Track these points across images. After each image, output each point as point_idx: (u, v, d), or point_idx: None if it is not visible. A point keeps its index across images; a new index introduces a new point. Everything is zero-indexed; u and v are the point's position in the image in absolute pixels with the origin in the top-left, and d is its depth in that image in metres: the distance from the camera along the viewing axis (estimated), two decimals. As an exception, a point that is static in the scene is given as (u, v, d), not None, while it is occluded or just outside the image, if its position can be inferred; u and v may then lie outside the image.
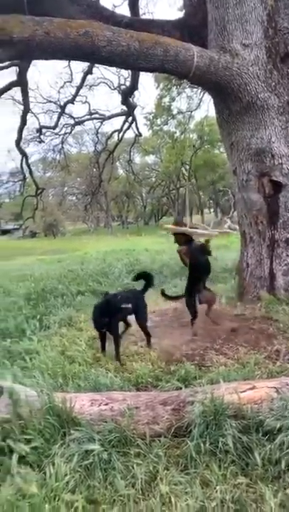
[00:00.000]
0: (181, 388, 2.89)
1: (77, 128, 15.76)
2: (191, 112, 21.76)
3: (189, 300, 4.51)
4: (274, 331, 4.25)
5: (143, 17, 8.34)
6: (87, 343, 4.22)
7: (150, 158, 48.85)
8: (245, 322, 4.60)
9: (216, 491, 1.93)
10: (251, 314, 4.81)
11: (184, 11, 6.44)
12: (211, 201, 52.36)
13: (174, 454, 2.26)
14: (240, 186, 5.25)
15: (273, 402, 2.36)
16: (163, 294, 4.90)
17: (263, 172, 4.97)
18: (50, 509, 1.83)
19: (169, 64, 4.26)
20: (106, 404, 2.51)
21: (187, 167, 42.56)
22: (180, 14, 6.56)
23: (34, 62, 11.55)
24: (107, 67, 11.63)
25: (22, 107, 12.01)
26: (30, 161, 13.93)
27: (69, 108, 14.28)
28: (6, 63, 9.95)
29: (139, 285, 4.57)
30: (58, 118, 13.32)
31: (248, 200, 5.15)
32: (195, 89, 20.87)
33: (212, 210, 52.18)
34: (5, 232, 46.67)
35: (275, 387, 2.47)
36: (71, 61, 12.54)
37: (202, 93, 20.02)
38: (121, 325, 4.20)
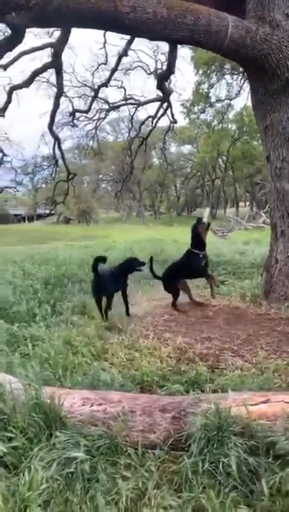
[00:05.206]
0: (188, 392, 2.61)
1: (113, 115, 15.44)
2: (231, 99, 20.89)
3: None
4: (300, 335, 3.85)
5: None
6: (97, 332, 4.00)
7: (186, 148, 48.07)
8: (269, 323, 4.22)
9: (211, 523, 1.63)
10: (276, 315, 4.41)
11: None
12: (247, 194, 50.89)
13: (168, 469, 1.97)
14: (273, 174, 4.78)
15: (290, 420, 2.01)
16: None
17: (299, 159, 4.49)
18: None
19: (199, 34, 3.85)
20: (99, 405, 2.26)
21: (224, 158, 41.47)
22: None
23: (70, 44, 11.40)
24: (143, 50, 11.27)
25: (56, 90, 11.87)
26: (64, 147, 13.80)
27: (104, 93, 13.98)
28: (41, 44, 9.89)
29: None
30: (92, 102, 13.05)
31: (281, 190, 4.69)
32: (235, 76, 20.06)
33: (248, 203, 50.72)
34: (40, 216, 47.46)
35: (293, 403, 2.12)
36: (106, 43, 12.27)
37: (243, 80, 19.23)
38: None
